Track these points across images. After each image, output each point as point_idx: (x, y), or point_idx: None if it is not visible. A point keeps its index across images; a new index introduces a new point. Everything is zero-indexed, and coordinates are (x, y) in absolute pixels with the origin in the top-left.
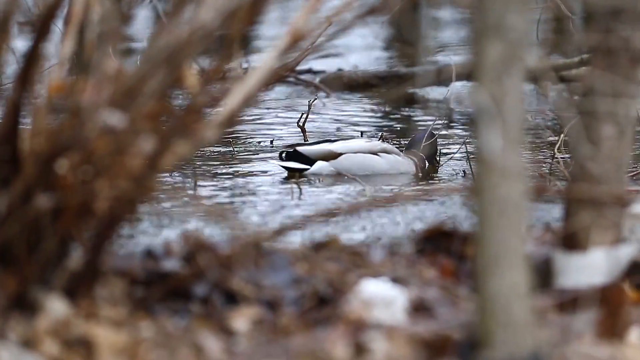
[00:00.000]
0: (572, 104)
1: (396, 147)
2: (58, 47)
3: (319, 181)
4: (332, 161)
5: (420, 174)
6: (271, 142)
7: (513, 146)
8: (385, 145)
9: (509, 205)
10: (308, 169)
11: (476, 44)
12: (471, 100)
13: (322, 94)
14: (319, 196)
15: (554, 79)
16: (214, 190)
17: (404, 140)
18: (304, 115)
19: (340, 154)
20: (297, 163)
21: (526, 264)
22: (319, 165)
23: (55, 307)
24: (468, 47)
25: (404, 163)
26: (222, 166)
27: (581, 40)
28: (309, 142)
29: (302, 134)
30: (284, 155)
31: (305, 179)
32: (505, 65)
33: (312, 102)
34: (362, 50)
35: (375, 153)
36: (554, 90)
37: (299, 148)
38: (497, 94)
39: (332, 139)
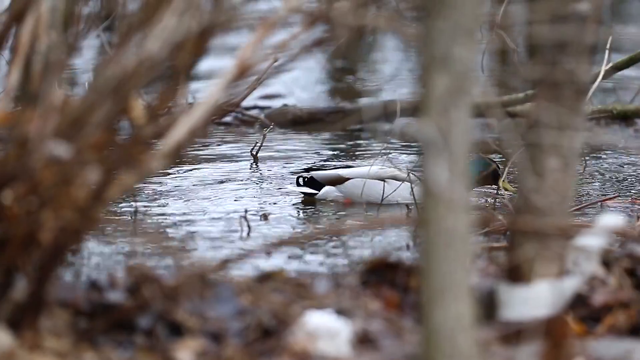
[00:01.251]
0: (518, 137)
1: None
2: (4, 77)
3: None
4: (339, 186)
5: None
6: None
7: (459, 178)
8: (398, 173)
9: (455, 237)
10: (317, 193)
11: (423, 76)
12: (418, 133)
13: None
14: (267, 228)
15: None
16: (160, 220)
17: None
18: (258, 145)
19: (347, 179)
20: (310, 188)
21: (471, 296)
22: (326, 190)
23: (0, 338)
24: (415, 80)
25: (406, 189)
26: (168, 196)
27: (526, 73)
28: (326, 167)
29: (255, 163)
30: (300, 180)
31: (316, 203)
32: (452, 97)
33: (267, 131)
34: (307, 85)
35: (383, 179)
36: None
37: (312, 173)
38: (443, 126)
39: (348, 164)
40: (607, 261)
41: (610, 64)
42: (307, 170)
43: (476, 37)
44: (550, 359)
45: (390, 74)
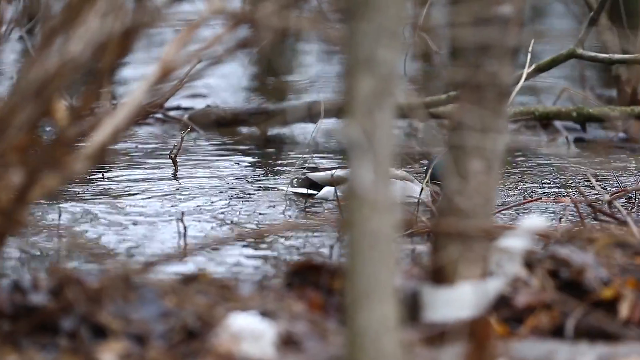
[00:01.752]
0: (441, 139)
1: (413, 174)
2: None
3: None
4: (339, 187)
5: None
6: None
7: (383, 180)
8: (399, 172)
9: (380, 239)
10: (316, 194)
11: (347, 79)
12: (343, 135)
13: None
14: (195, 230)
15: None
16: (83, 222)
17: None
18: (176, 147)
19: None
20: (307, 189)
21: (395, 297)
22: (326, 190)
23: None
24: (339, 82)
25: (415, 190)
26: (91, 198)
27: (449, 75)
28: (322, 168)
29: (174, 167)
30: (295, 181)
31: (313, 204)
32: (376, 99)
33: (185, 134)
34: (231, 86)
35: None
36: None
37: (309, 174)
38: (368, 128)
39: (342, 165)
40: (529, 263)
41: (533, 66)
42: (303, 172)
43: (400, 39)
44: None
45: (314, 75)
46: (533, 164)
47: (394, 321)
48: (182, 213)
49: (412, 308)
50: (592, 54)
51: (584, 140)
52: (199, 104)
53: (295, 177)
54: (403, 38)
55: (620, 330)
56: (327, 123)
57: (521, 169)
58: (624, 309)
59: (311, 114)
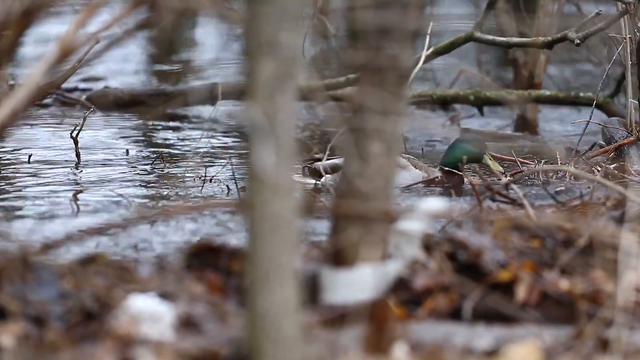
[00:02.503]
0: (342, 121)
1: (416, 159)
2: None
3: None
4: (336, 174)
5: (437, 185)
6: (29, 157)
7: (285, 163)
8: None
9: (281, 222)
10: (318, 182)
11: (249, 61)
12: (244, 117)
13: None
14: (94, 211)
15: (325, 96)
16: None
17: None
18: (78, 128)
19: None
20: (314, 178)
21: (296, 280)
22: (325, 179)
23: None
24: (240, 64)
25: (404, 177)
26: None
27: (349, 58)
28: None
29: (75, 147)
30: (306, 171)
31: (320, 191)
32: (278, 82)
33: (87, 114)
34: (130, 67)
35: None
36: (325, 108)
37: (315, 163)
38: (270, 111)
39: None
40: (428, 245)
41: (432, 49)
42: (310, 161)
43: (302, 22)
44: (372, 342)
45: (215, 57)
46: (430, 146)
47: (294, 304)
48: (76, 194)
49: (311, 290)
50: (490, 37)
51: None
52: (97, 86)
53: (305, 166)
54: (304, 21)
55: (517, 312)
56: (228, 105)
57: (419, 150)
58: (520, 292)
59: (212, 96)
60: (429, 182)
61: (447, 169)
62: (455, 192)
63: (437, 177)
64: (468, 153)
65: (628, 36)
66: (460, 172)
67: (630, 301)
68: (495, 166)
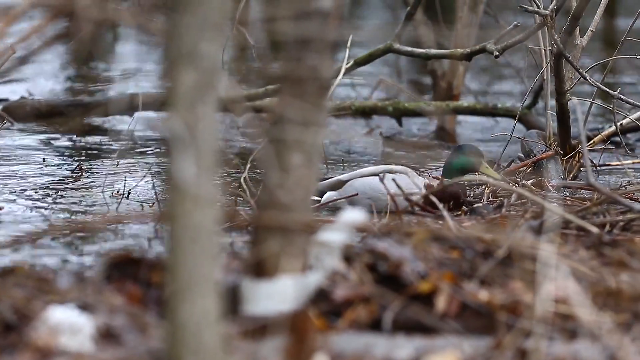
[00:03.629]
0: (262, 132)
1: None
2: None
3: None
4: (339, 190)
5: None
6: None
7: (206, 173)
8: (393, 166)
9: (202, 233)
10: (320, 200)
11: (170, 72)
12: (164, 128)
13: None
14: (11, 222)
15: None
16: None
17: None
18: None
19: (346, 182)
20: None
21: (216, 291)
22: (327, 195)
23: None
24: (161, 75)
25: (408, 183)
26: None
27: (269, 69)
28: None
29: None
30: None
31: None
32: (199, 93)
33: (2, 125)
34: (49, 78)
35: (376, 174)
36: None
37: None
38: (190, 121)
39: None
40: (348, 256)
41: (352, 61)
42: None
43: (222, 32)
44: (293, 353)
45: (135, 67)
46: (349, 156)
47: (214, 315)
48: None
49: (232, 302)
50: (409, 48)
51: (402, 134)
52: (14, 96)
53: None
54: (224, 32)
55: (437, 323)
56: (148, 115)
57: (337, 160)
58: (440, 303)
59: (132, 107)
60: (431, 191)
61: (446, 180)
62: (455, 204)
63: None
64: (465, 164)
65: (548, 48)
66: (459, 183)
67: (548, 312)
68: (494, 174)
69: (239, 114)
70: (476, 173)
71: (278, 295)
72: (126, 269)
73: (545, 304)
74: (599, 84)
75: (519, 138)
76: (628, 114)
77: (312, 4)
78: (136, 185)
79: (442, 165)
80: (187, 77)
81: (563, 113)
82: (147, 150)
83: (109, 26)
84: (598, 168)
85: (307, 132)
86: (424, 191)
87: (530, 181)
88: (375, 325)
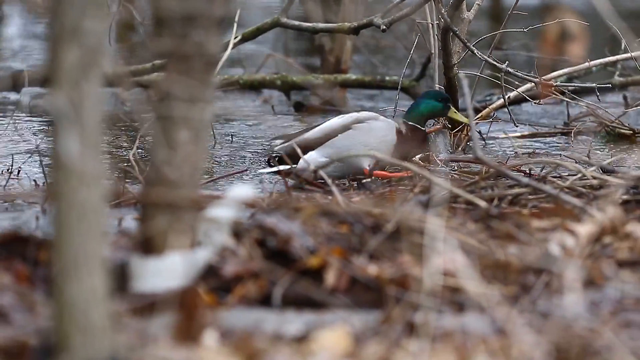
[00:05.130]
0: (149, 109)
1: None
2: None
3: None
4: (318, 150)
5: (406, 140)
6: None
7: (91, 150)
8: (359, 115)
9: (88, 210)
10: (294, 166)
11: (53, 49)
12: (49, 105)
13: None
14: None
15: (131, 84)
16: None
17: None
18: None
19: (320, 141)
20: (281, 164)
21: (104, 268)
22: (308, 157)
23: None
24: (45, 51)
25: (382, 128)
26: None
27: (155, 45)
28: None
29: None
30: (272, 161)
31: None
32: (83, 70)
33: None
34: None
35: (349, 128)
36: (131, 95)
37: (276, 149)
38: (75, 98)
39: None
40: (237, 232)
41: (239, 36)
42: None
43: (106, 9)
44: (182, 330)
45: (20, 44)
46: (243, 133)
47: (102, 292)
48: None
49: (121, 279)
50: (296, 22)
51: (303, 105)
52: None
53: (271, 157)
54: (108, 8)
55: (326, 298)
56: (33, 92)
57: (228, 137)
58: (330, 277)
59: (17, 83)
60: (398, 134)
61: (411, 123)
62: (420, 147)
63: (403, 131)
64: (433, 108)
65: (435, 22)
66: (423, 127)
67: (437, 285)
68: (461, 118)
69: (126, 90)
70: (443, 118)
71: (167, 272)
72: (13, 248)
73: (433, 277)
74: (486, 57)
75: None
76: (515, 87)
77: None
78: (23, 162)
79: (407, 109)
80: (71, 54)
81: (450, 86)
82: (34, 127)
83: None
84: (486, 141)
85: (194, 109)
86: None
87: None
88: (265, 301)
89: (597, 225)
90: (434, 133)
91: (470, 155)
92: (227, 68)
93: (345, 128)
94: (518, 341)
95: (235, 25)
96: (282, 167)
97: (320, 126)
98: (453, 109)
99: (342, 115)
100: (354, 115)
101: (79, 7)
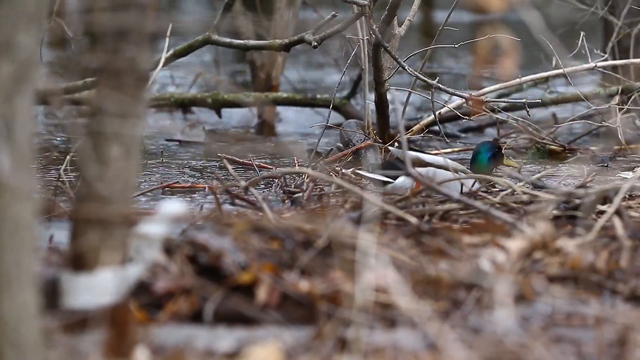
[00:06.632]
0: (81, 125)
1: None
2: None
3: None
4: (419, 169)
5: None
6: None
7: (23, 166)
8: (456, 165)
9: (20, 226)
10: (392, 182)
11: None
12: None
13: None
14: None
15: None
16: None
17: None
18: None
19: (427, 165)
20: (384, 176)
21: (36, 284)
22: (400, 181)
23: None
24: None
25: (469, 183)
26: None
27: (87, 61)
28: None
29: None
30: (372, 165)
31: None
32: (16, 85)
33: None
34: None
35: (456, 171)
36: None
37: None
38: (7, 114)
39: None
40: (168, 248)
41: (171, 52)
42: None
43: (39, 24)
44: (113, 346)
45: None
46: (173, 149)
47: (34, 308)
48: None
49: (52, 295)
50: (228, 40)
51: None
52: None
53: (376, 160)
54: (42, 23)
55: (258, 314)
56: None
57: (161, 154)
58: (261, 293)
59: None
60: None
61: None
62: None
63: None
64: (493, 158)
65: (365, 38)
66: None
67: (368, 301)
68: (513, 164)
69: (58, 107)
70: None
71: (98, 288)
72: None
73: (365, 293)
74: (417, 73)
75: (337, 127)
76: (446, 103)
77: None
78: (392, 181)
79: (470, 162)
80: (4, 68)
81: (382, 102)
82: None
83: None
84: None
85: (126, 125)
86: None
87: (351, 170)
88: (196, 317)
89: (527, 241)
90: (364, 149)
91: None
92: (158, 85)
93: (453, 170)
94: (449, 357)
95: (167, 40)
96: (376, 177)
97: (439, 158)
98: (507, 156)
99: (453, 162)
100: (454, 163)
101: (11, 21)
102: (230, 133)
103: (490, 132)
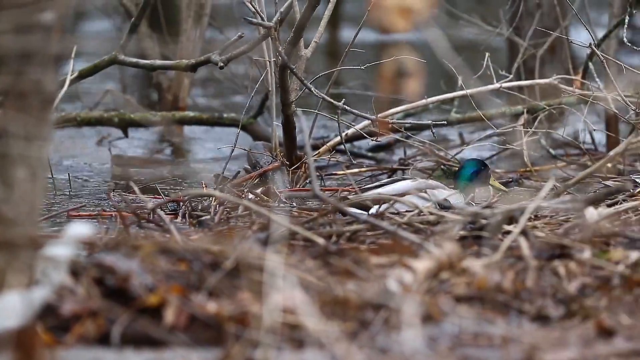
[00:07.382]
0: None
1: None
2: None
3: None
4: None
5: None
6: None
7: None
8: (430, 182)
9: None
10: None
11: None
12: None
13: None
14: None
15: None
16: None
17: None
18: None
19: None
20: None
21: None
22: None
23: None
24: None
25: (453, 197)
26: None
27: None
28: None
29: None
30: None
31: None
32: None
33: None
34: None
35: (423, 192)
36: None
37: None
38: None
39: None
40: (75, 271)
41: (76, 73)
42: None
43: None
44: None
45: None
46: (75, 167)
47: None
48: None
49: None
50: (134, 60)
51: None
52: None
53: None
54: None
55: (165, 336)
56: None
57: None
58: (169, 315)
59: None
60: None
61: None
62: None
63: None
64: (478, 177)
65: (272, 59)
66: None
67: (276, 322)
68: (500, 187)
69: None
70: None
71: (4, 311)
72: None
73: (273, 314)
74: (323, 95)
75: (245, 150)
76: (353, 124)
77: (34, 18)
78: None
79: (454, 176)
80: None
81: (288, 124)
82: None
83: None
84: (324, 178)
85: (32, 147)
86: (150, 205)
87: (260, 190)
88: (103, 340)
89: (434, 261)
90: (272, 171)
91: (309, 193)
92: (64, 104)
93: (418, 191)
94: None
95: (72, 61)
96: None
97: (393, 186)
98: (492, 177)
99: (409, 179)
100: (425, 181)
101: None
102: (137, 157)
103: (399, 152)
